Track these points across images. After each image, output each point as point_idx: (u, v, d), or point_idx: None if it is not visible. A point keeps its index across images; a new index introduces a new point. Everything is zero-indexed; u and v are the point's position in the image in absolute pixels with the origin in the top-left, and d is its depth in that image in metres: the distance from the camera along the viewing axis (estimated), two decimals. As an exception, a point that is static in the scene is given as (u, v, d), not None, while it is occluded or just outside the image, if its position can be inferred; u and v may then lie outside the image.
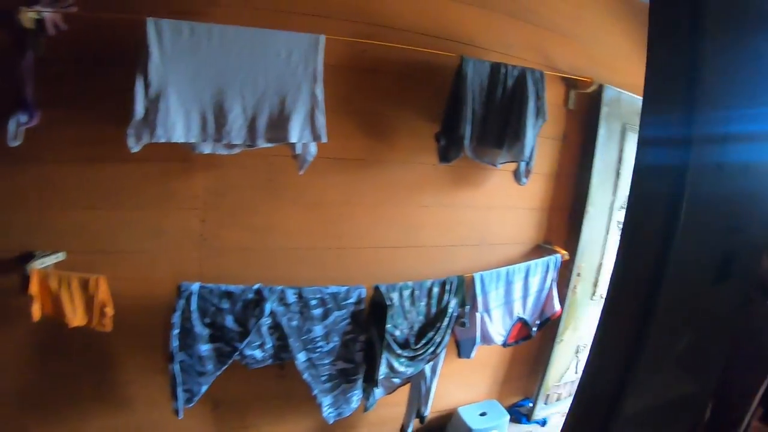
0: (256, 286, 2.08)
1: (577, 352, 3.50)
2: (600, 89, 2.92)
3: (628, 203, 0.93)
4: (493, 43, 2.60)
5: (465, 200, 2.78)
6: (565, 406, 3.64)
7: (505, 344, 2.90)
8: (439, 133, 2.36)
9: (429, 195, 2.66)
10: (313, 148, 2.09)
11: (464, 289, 2.59)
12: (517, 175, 2.67)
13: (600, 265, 3.34)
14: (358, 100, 2.35)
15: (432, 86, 2.43)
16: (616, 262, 0.93)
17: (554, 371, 3.40)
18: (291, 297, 2.14)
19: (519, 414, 3.48)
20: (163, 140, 1.81)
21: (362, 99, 2.36)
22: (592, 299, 3.40)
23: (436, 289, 2.50)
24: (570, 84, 2.91)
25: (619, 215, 3.30)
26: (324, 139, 2.01)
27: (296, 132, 1.97)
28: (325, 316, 2.22)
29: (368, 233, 2.55)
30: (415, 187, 2.61)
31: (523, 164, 2.59)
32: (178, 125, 1.83)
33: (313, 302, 2.18)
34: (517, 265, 2.85)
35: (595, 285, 3.38)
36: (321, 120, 2.00)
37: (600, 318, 0.99)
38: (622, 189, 3.24)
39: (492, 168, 2.70)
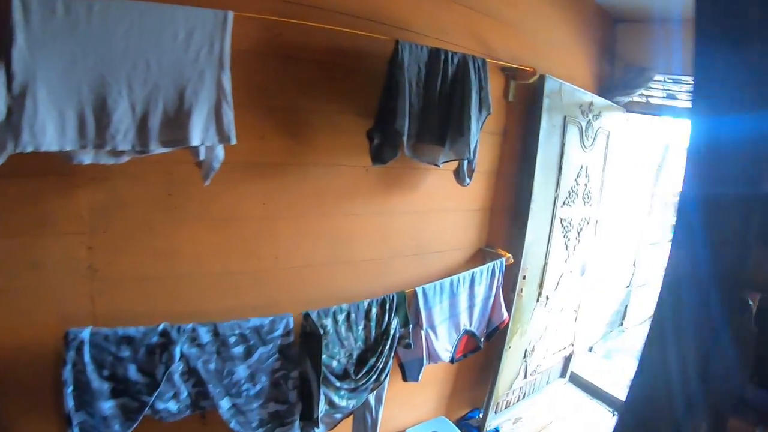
0: (161, 327, 1.69)
1: (525, 356, 3.38)
2: (541, 80, 2.75)
3: (684, 203, 0.90)
4: (428, 27, 2.34)
5: (400, 206, 2.52)
6: (515, 412, 3.57)
7: (453, 360, 2.67)
8: (372, 129, 2.06)
9: (360, 202, 2.37)
10: (220, 152, 1.73)
11: (406, 306, 2.33)
12: (459, 175, 2.43)
13: (545, 265, 3.20)
14: (274, 93, 2.00)
15: (363, 76, 2.14)
16: (674, 262, 0.94)
17: (504, 379, 3.26)
18: (205, 336, 1.77)
19: (469, 427, 3.36)
20: (30, 149, 1.39)
21: (280, 91, 2.01)
22: (538, 301, 3.27)
23: (374, 310, 2.22)
24: (510, 74, 2.73)
25: (562, 212, 3.18)
26: (233, 141, 1.67)
27: (198, 132, 1.61)
28: (248, 354, 1.87)
29: (292, 250, 2.20)
30: (344, 194, 2.30)
31: (465, 163, 2.35)
32: (48, 128, 1.42)
33: (232, 339, 1.83)
34: (461, 274, 2.63)
35: (541, 286, 3.25)
36: (229, 116, 1.65)
37: (655, 318, 1.02)
38: (563, 185, 3.12)
39: (427, 169, 2.46)
